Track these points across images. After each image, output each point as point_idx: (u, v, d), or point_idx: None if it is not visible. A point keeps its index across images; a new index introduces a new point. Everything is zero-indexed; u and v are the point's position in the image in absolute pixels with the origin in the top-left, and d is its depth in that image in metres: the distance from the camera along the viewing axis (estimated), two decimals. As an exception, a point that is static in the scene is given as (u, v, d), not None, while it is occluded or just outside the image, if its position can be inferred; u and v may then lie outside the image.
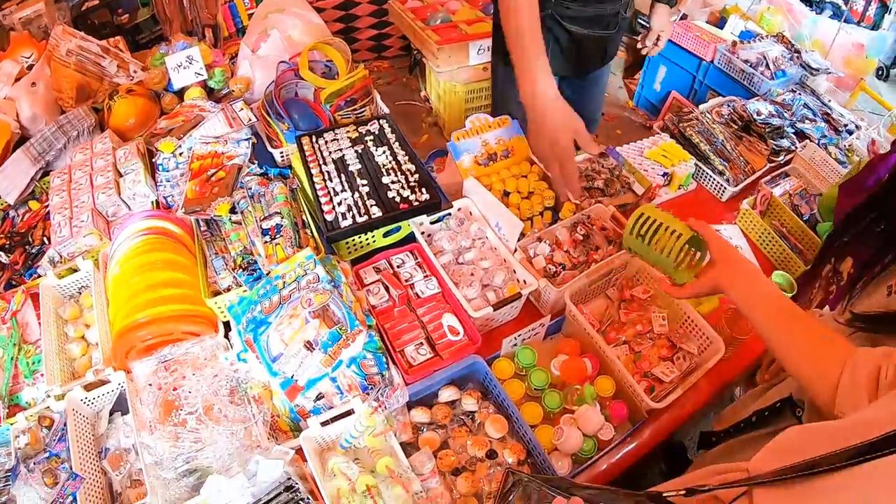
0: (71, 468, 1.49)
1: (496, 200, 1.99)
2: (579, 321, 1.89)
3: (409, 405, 1.69)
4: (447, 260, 1.93)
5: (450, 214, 2.04)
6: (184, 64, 2.70)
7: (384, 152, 2.11)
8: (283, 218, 1.91)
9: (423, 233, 1.97)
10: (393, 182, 2.00)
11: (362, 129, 2.22)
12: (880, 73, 5.58)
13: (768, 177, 2.67)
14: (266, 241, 1.87)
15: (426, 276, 1.90)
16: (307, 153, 2.13)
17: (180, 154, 2.35)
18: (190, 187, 2.16)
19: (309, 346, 1.58)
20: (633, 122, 3.97)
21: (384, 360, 1.66)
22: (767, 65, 3.54)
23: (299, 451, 1.53)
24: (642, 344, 2.00)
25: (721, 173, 2.61)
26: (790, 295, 2.23)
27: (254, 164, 2.19)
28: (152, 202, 2.25)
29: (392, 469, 1.52)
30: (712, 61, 3.54)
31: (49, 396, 1.65)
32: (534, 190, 2.14)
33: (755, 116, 2.91)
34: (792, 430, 1.02)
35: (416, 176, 2.02)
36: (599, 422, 1.73)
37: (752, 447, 1.60)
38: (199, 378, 1.75)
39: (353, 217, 1.89)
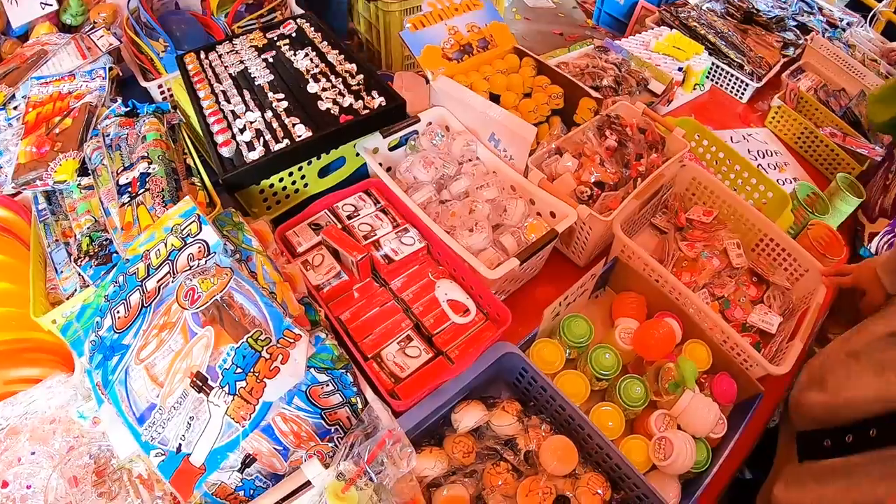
0: None
1: (486, 101, 1.13)
2: (643, 262, 1.07)
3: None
4: (425, 197, 1.06)
5: (416, 133, 1.16)
6: (23, -8, 1.71)
7: (306, 55, 1.21)
8: (151, 163, 1.00)
9: (380, 164, 1.09)
10: (325, 89, 1.11)
11: (272, 35, 1.31)
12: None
13: (786, 72, 1.91)
14: (124, 204, 0.96)
15: (397, 226, 1.02)
16: (192, 73, 1.22)
17: (14, 107, 1.41)
18: (23, 149, 1.24)
19: (199, 381, 0.70)
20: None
21: (350, 378, 0.80)
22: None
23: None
24: (724, 285, 1.20)
25: (741, 67, 1.82)
26: (860, 201, 1.48)
27: (116, 101, 1.27)
28: (-22, 182, 1.30)
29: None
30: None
31: None
32: (532, 88, 1.28)
33: (756, 6, 2.13)
34: None
35: (361, 77, 1.13)
36: (714, 415, 0.94)
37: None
38: (44, 457, 0.90)
39: (266, 145, 0.99)
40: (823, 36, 2.25)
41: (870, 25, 2.67)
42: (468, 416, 0.86)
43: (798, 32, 2.18)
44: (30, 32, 1.70)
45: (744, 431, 1.02)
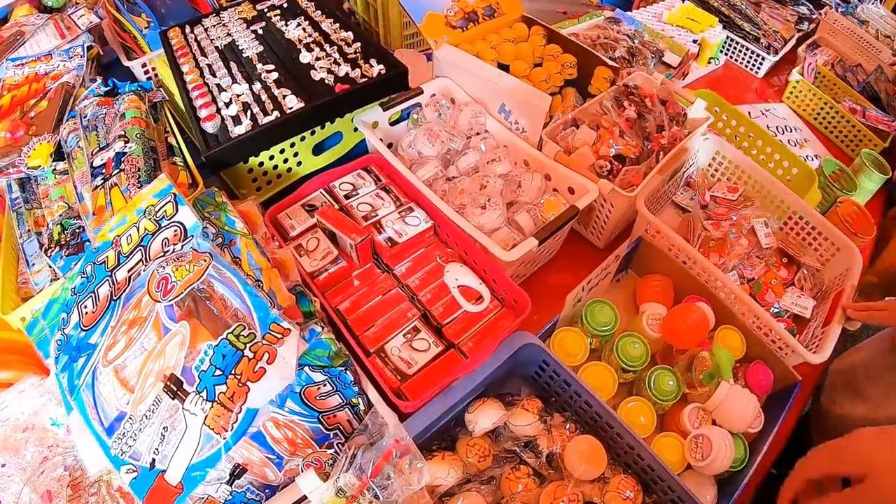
0: None
1: (496, 70, 1.00)
2: (669, 242, 0.95)
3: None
4: (431, 173, 0.94)
5: (419, 106, 1.04)
6: (-2, -31, 1.58)
7: (298, 24, 1.08)
8: (128, 142, 0.88)
9: (381, 139, 0.96)
10: (319, 58, 0.98)
11: (262, 6, 1.19)
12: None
13: (802, 46, 1.78)
14: (97, 187, 0.84)
15: (401, 206, 0.90)
16: (176, 48, 1.09)
17: (-10, 93, 1.28)
18: (-4, 134, 1.11)
19: (174, 386, 0.58)
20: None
21: (350, 377, 0.68)
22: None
23: None
24: (754, 267, 1.07)
25: (756, 40, 1.69)
26: (885, 178, 1.36)
27: (96, 81, 1.14)
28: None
29: None
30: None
31: None
32: (542, 57, 1.15)
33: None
34: None
35: (358, 45, 1.00)
36: (753, 408, 0.83)
37: None
38: (16, 469, 0.78)
39: (254, 118, 0.87)
40: (837, 11, 2.12)
41: (880, 2, 2.54)
42: (484, 417, 0.74)
43: (811, 7, 2.05)
44: (9, 16, 1.57)
45: (781, 425, 0.90)
